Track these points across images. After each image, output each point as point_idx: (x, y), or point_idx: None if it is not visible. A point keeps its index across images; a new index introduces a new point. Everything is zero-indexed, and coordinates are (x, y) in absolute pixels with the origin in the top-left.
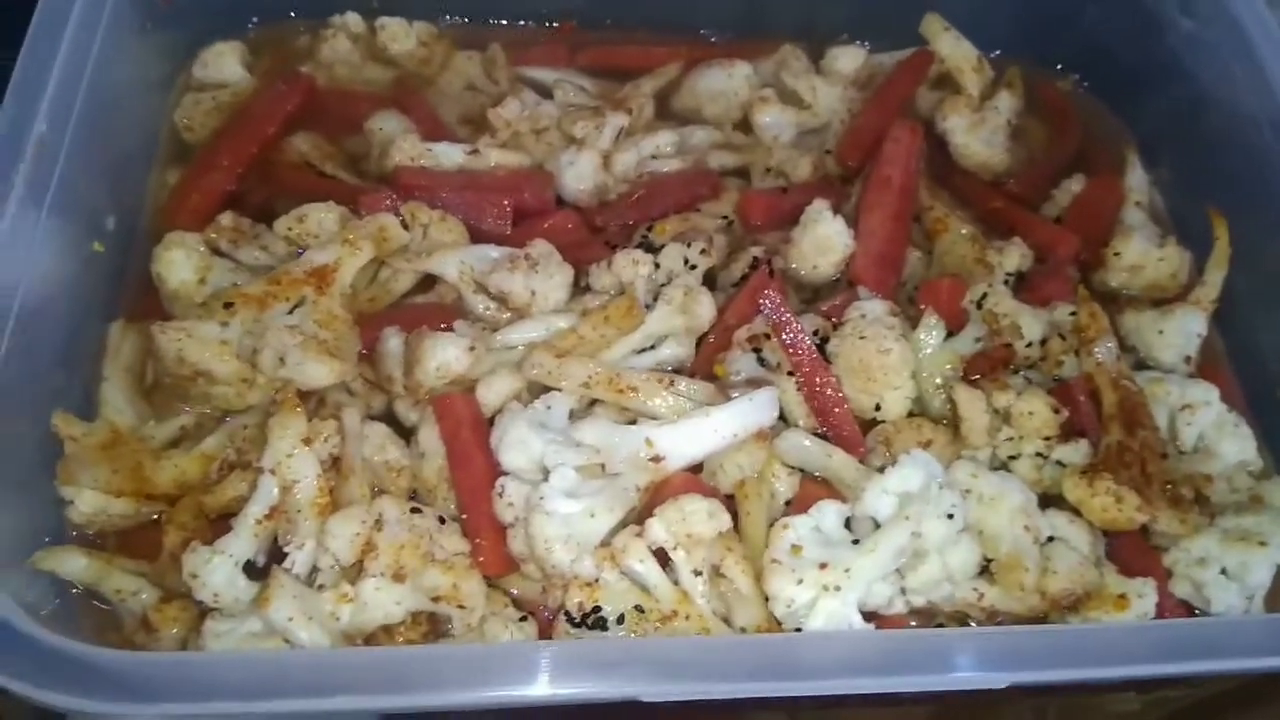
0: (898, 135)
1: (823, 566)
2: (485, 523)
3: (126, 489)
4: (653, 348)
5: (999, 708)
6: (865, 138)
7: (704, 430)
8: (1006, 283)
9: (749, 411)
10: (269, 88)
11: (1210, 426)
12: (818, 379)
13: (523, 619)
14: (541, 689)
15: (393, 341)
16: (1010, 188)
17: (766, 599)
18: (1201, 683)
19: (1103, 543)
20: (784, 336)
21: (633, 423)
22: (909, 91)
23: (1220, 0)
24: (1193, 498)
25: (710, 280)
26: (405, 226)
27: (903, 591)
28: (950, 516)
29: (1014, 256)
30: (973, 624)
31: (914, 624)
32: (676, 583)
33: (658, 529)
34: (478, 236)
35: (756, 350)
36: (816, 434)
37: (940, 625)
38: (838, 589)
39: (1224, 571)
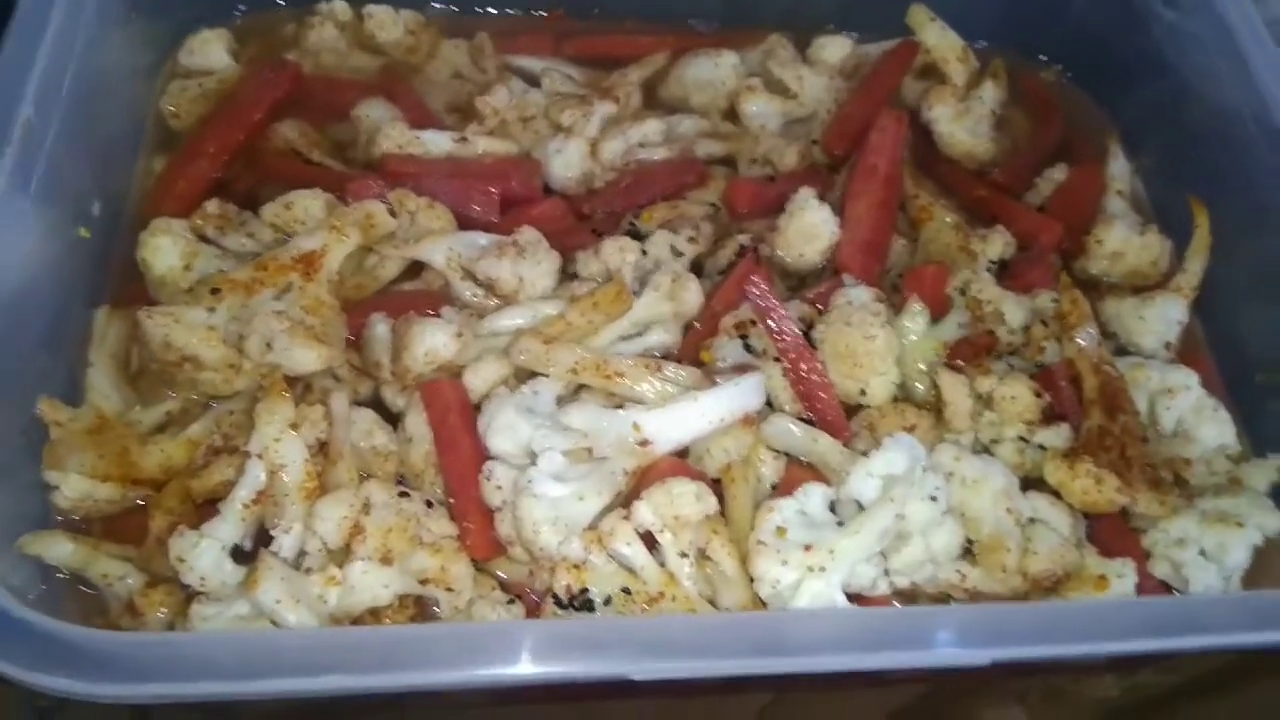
0: (883, 124)
1: (807, 548)
2: (473, 506)
3: (112, 474)
4: (640, 334)
5: (982, 693)
6: (851, 127)
7: (691, 415)
8: (990, 270)
9: (735, 396)
10: (255, 75)
11: (1190, 411)
12: (803, 365)
13: (510, 602)
14: (530, 668)
15: (380, 328)
16: (994, 176)
17: (752, 580)
18: (1177, 668)
19: (1083, 524)
20: (770, 323)
21: (620, 408)
22: (895, 81)
23: None
24: (1172, 480)
25: (697, 267)
26: (392, 213)
27: (886, 573)
28: (933, 499)
29: (997, 244)
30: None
31: (897, 605)
32: (663, 565)
33: (645, 512)
34: (465, 224)
35: (743, 336)
36: (802, 419)
37: None
38: (822, 570)
39: (1202, 552)
